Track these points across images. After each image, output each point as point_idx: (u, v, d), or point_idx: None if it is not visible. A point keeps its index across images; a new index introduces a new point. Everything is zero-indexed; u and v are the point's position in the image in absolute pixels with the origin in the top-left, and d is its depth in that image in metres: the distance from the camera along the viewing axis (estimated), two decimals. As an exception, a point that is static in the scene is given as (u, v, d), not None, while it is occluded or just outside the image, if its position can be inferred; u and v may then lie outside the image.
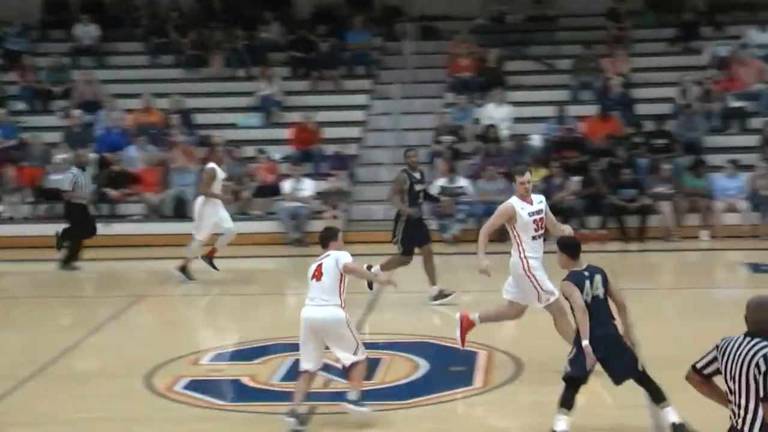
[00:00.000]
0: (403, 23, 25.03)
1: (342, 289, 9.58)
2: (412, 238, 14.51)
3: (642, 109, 22.33)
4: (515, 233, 11.12)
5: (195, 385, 11.13)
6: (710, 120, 21.77)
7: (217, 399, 10.83)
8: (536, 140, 21.59)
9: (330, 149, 21.94)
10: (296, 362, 9.95)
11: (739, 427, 6.42)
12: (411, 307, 14.80)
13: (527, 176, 11.19)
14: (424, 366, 11.56)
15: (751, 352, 6.33)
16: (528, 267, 11.04)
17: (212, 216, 16.48)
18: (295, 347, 9.99)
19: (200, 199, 16.66)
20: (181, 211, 20.70)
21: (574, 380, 9.12)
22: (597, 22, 24.23)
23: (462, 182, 20.51)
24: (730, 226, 19.57)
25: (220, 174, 16.54)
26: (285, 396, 9.98)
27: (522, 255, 11.05)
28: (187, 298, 16.43)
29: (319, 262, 9.68)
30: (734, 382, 6.40)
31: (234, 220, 17.15)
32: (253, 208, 21.01)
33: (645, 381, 9.19)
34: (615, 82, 22.50)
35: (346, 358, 9.59)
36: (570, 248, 9.41)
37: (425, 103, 23.00)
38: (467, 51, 23.62)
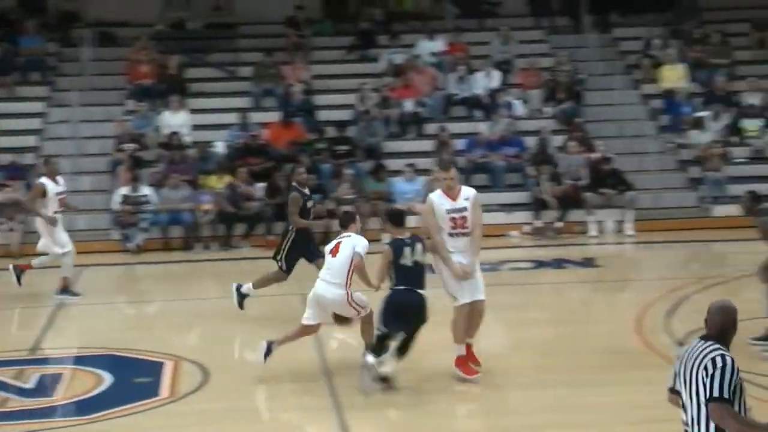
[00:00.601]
0: (79, 29, 24.35)
1: (350, 271, 10.64)
2: (298, 254, 13.80)
3: (323, 115, 22.68)
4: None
5: None
6: (388, 126, 22.38)
7: None
8: (220, 147, 21.51)
9: (5, 159, 21.02)
10: None
11: None
12: (95, 319, 14.42)
13: (452, 172, 11.01)
14: (107, 379, 11.24)
15: (702, 355, 6.21)
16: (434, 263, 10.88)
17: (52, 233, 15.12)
18: None
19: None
20: None
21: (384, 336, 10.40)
22: (276, 30, 24.43)
23: (145, 191, 20.15)
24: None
25: (53, 188, 15.18)
26: None
27: None
28: None
29: (338, 240, 10.81)
30: (684, 387, 6.28)
31: None
32: None
33: (407, 341, 10.49)
34: (296, 89, 22.75)
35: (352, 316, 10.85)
36: (393, 217, 10.87)
37: (105, 111, 22.47)
38: (147, 58, 23.26)
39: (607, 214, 20.30)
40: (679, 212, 20.57)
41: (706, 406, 6.10)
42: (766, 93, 22.53)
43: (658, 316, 13.55)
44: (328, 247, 10.94)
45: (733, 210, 20.31)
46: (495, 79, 23.04)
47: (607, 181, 20.39)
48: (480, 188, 21.10)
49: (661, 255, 19.16)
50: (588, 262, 17.09)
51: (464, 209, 10.86)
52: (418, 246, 10.59)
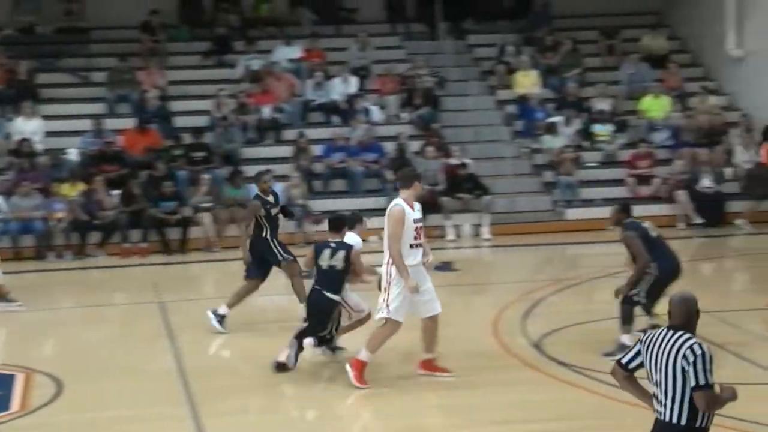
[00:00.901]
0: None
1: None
2: (263, 262, 13.28)
3: (180, 121, 22.40)
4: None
5: None
6: (246, 132, 22.24)
7: None
8: (73, 154, 21.07)
9: None
10: None
11: (666, 419, 6.54)
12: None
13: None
14: (-46, 394, 10.90)
15: (677, 345, 6.51)
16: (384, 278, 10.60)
17: None
18: None
19: None
20: None
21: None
22: (131, 35, 24.05)
23: (-5, 199, 19.63)
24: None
25: None
26: None
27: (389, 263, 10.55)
28: None
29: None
30: (660, 374, 6.55)
31: None
32: None
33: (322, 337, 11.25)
34: (152, 94, 22.44)
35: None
36: (330, 222, 11.46)
37: (-47, 118, 21.81)
38: (-4, 63, 22.68)
39: (464, 218, 20.55)
40: (533, 216, 20.93)
41: (683, 393, 6.49)
42: (616, 99, 23.09)
43: (514, 319, 13.74)
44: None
45: (585, 213, 20.85)
46: (352, 84, 23.11)
47: (464, 185, 20.63)
48: (338, 194, 21.49)
49: (517, 258, 19.47)
50: (445, 266, 17.25)
51: (421, 220, 10.73)
52: (340, 253, 11.00)
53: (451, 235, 20.25)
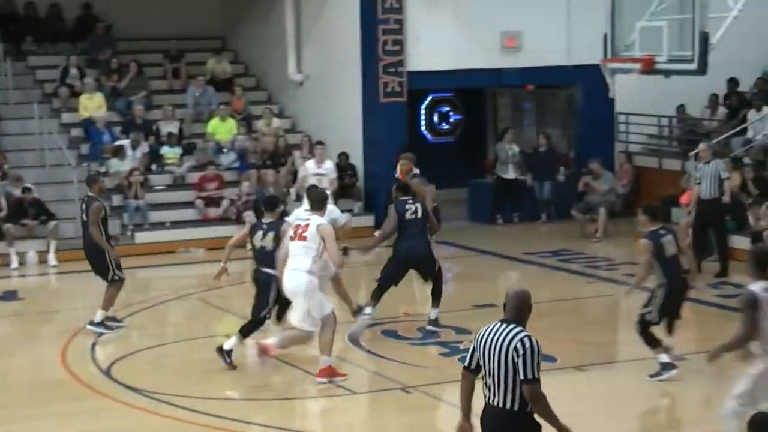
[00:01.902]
0: None
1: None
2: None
3: None
4: None
5: None
6: None
7: None
8: None
9: None
10: None
11: (495, 403, 7.00)
12: None
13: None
14: None
15: (509, 337, 6.99)
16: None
17: None
18: None
19: None
20: None
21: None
22: None
23: None
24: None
25: None
26: None
27: None
28: None
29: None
30: (492, 363, 7.00)
31: None
32: None
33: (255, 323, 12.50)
34: None
35: None
36: (266, 203, 12.92)
37: None
38: None
39: (29, 245, 19.85)
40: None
41: (515, 383, 6.98)
42: (183, 121, 23.18)
43: (84, 346, 13.45)
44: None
45: (155, 236, 20.76)
46: None
47: (29, 211, 19.94)
48: None
49: (86, 284, 18.99)
50: (10, 295, 16.58)
51: (307, 220, 11.90)
52: (270, 234, 12.30)
53: (15, 263, 19.48)
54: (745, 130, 21.09)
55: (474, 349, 7.22)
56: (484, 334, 7.18)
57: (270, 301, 12.47)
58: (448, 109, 26.43)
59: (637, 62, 16.97)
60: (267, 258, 12.25)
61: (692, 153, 19.84)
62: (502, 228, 22.30)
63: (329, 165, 19.81)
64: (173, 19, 25.32)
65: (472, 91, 25.18)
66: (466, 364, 7.30)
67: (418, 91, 23.82)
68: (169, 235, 20.88)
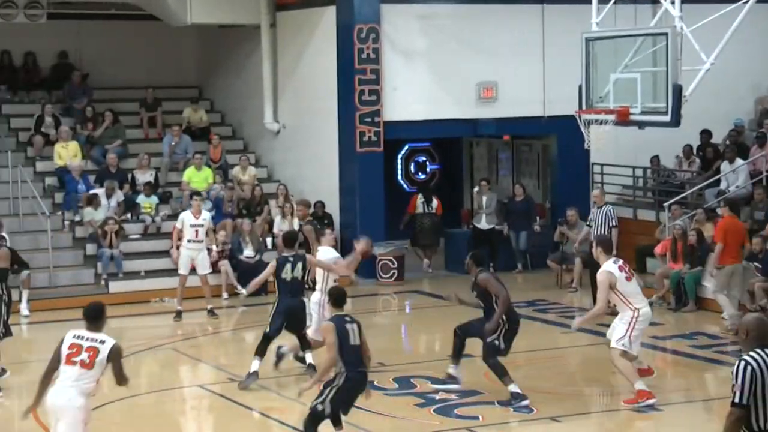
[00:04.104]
0: None
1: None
2: None
3: None
4: None
5: None
6: None
7: None
8: None
9: None
10: None
11: None
12: None
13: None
14: None
15: None
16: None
17: None
18: None
19: None
20: None
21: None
22: None
23: None
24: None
25: None
26: None
27: None
28: None
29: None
30: None
31: None
32: None
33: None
34: None
35: None
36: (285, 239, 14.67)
37: None
38: None
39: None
40: (76, 290, 20.39)
41: None
42: (158, 170, 23.12)
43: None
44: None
45: (129, 285, 20.63)
46: None
47: (1, 260, 19.76)
48: None
49: (58, 334, 18.80)
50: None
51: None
52: (299, 264, 13.91)
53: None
54: (718, 182, 21.20)
55: None
56: None
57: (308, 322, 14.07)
58: (425, 158, 26.51)
59: (611, 113, 17.08)
60: (299, 287, 14.02)
61: (667, 204, 19.99)
62: (479, 278, 22.22)
63: (206, 215, 19.57)
64: (150, 69, 25.38)
65: (449, 141, 25.27)
66: None
67: (395, 141, 23.88)
68: (143, 284, 20.75)
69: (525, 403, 12.78)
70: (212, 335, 18.17)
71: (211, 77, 26.22)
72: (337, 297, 10.97)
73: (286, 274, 13.84)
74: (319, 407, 10.44)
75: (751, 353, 7.26)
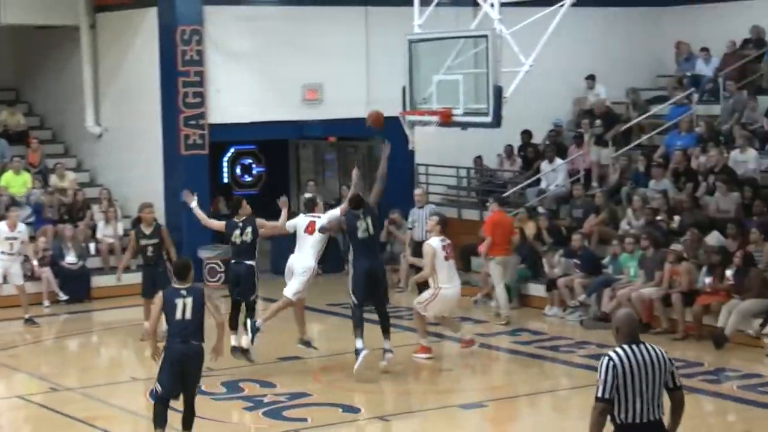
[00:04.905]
0: None
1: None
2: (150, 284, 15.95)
3: None
4: None
5: None
6: None
7: None
8: None
9: None
10: None
11: None
12: None
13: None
14: None
15: None
16: None
17: None
18: None
19: None
20: None
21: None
22: None
23: None
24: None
25: None
26: None
27: None
28: None
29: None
30: None
31: None
32: None
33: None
34: None
35: None
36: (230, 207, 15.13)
37: None
38: None
39: None
40: None
41: None
42: None
43: None
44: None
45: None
46: None
47: None
48: None
49: None
50: None
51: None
52: (248, 228, 14.38)
53: None
54: (539, 181, 21.70)
55: None
56: None
57: (256, 287, 14.44)
58: (250, 161, 26.38)
59: (435, 115, 17.27)
60: (247, 251, 14.30)
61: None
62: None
63: (22, 228, 19.15)
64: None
65: (274, 143, 25.19)
66: None
67: (220, 144, 23.68)
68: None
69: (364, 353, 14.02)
70: (33, 344, 17.66)
71: (29, 79, 25.51)
72: (177, 269, 11.07)
73: (236, 238, 14.33)
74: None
75: (617, 349, 7.56)
